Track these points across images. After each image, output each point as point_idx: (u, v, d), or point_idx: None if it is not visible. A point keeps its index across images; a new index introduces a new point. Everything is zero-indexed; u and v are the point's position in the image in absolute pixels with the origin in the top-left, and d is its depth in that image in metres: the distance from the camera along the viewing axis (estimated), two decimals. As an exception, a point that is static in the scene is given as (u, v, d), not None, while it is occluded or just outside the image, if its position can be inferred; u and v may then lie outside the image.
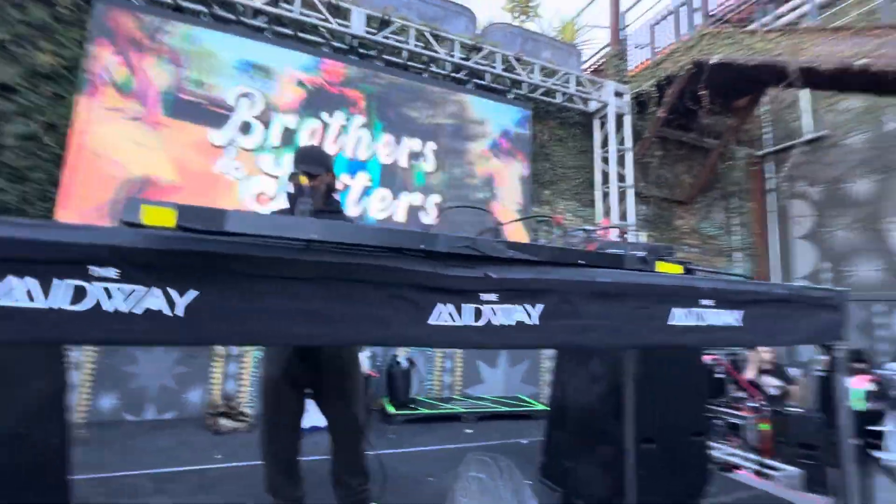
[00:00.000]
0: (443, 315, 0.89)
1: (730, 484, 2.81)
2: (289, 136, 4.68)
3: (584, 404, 2.57)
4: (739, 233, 7.22)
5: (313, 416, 2.19)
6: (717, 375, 4.65)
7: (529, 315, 0.96)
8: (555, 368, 3.00)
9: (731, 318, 1.17)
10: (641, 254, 1.14)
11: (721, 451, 3.68)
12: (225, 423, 3.71)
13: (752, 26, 5.24)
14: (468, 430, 4.04)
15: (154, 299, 0.71)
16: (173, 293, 0.72)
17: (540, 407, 4.63)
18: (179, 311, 0.73)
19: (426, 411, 4.32)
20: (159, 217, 0.66)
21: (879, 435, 4.07)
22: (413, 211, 5.15)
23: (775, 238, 7.05)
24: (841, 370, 1.37)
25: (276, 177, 4.59)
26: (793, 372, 5.23)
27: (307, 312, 0.81)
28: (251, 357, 4.36)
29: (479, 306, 0.92)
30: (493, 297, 0.93)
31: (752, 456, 3.52)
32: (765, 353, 5.30)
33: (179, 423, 3.80)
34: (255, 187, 4.50)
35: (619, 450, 2.22)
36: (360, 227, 0.84)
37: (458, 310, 0.90)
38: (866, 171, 6.03)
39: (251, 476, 2.51)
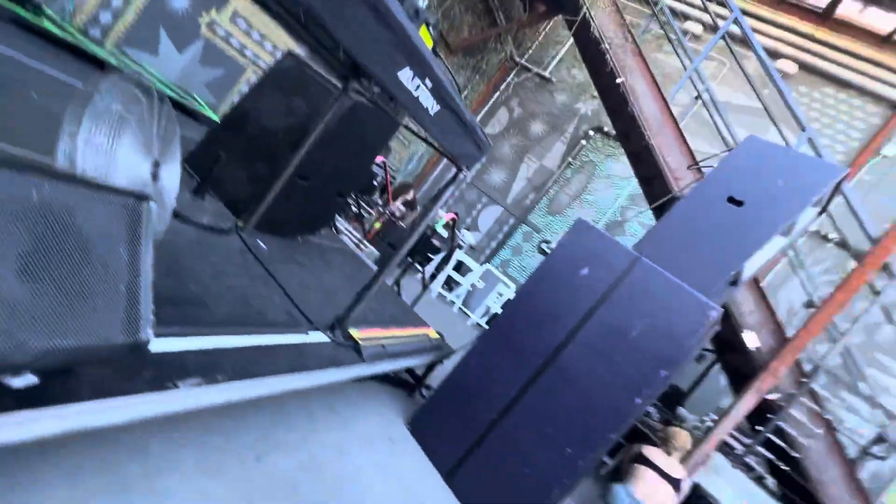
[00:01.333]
0: None
1: (334, 238, 3.67)
2: None
3: (268, 127, 2.62)
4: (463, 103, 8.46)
5: None
6: (375, 181, 5.68)
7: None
8: (256, 86, 2.84)
9: (432, 105, 1.49)
10: (421, 8, 1.23)
11: (343, 224, 4.68)
12: None
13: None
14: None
15: None
16: None
17: (211, 115, 4.29)
18: None
19: (54, 30, 3.17)
20: None
21: (429, 259, 6.25)
22: None
23: (475, 124, 8.71)
24: (453, 186, 2.01)
25: None
26: (420, 209, 7.03)
27: None
28: None
29: None
30: None
31: (358, 235, 4.68)
32: (410, 193, 6.83)
33: None
34: None
35: (273, 171, 2.46)
36: None
37: None
38: (545, 122, 8.19)
39: None
